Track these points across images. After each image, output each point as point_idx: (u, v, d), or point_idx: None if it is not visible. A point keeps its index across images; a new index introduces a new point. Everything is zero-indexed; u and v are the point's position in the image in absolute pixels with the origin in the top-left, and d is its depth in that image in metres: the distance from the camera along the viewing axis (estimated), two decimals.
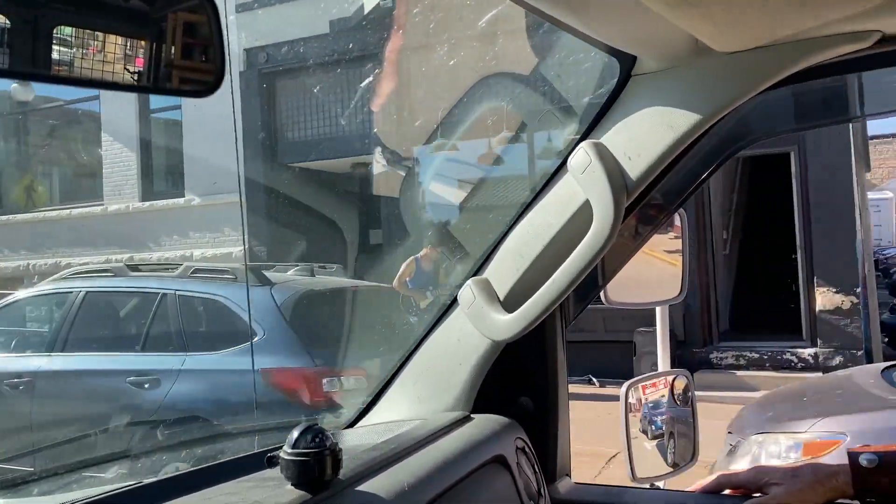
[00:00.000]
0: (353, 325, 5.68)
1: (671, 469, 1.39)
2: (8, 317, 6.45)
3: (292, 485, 0.85)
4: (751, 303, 10.44)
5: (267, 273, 5.71)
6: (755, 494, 1.17)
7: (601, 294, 1.38)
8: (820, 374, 8.08)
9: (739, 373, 8.68)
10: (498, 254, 1.23)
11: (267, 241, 11.51)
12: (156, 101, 12.80)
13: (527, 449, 1.24)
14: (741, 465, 3.41)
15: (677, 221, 1.48)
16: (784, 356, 8.72)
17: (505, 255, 1.22)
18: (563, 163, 1.15)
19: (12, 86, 12.78)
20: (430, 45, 9.86)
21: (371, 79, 10.36)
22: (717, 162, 1.34)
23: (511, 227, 1.23)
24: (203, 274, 5.65)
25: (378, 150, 10.19)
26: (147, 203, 13.04)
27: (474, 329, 1.21)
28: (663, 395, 1.42)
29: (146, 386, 5.08)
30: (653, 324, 8.61)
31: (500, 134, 9.00)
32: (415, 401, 1.30)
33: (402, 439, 1.08)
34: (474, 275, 1.25)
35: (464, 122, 9.04)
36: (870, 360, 7.81)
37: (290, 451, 0.85)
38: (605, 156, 1.08)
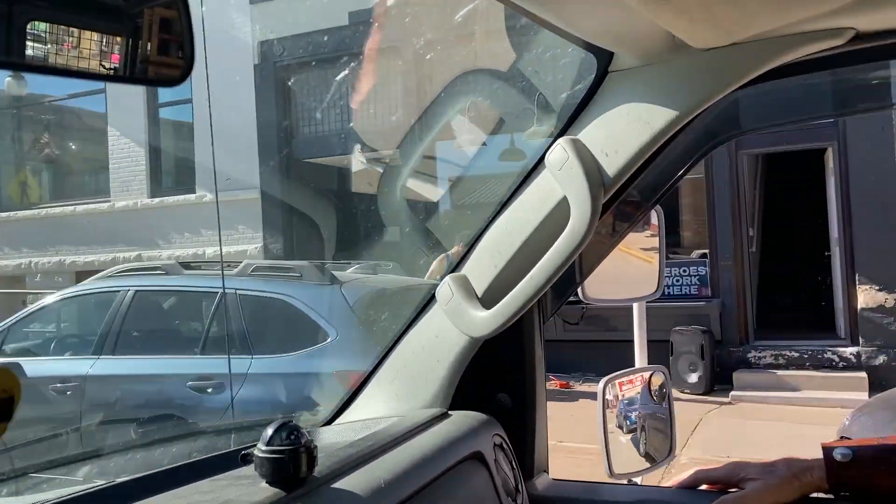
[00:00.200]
0: None
1: (648, 465, 1.39)
2: (48, 317, 6.12)
3: (267, 482, 0.84)
4: (778, 301, 10.29)
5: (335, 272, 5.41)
6: (731, 489, 1.18)
7: (578, 291, 1.38)
8: (863, 373, 8.00)
9: (780, 372, 8.49)
10: (476, 250, 1.23)
11: (287, 237, 11.28)
12: (164, 94, 12.49)
13: (504, 445, 1.24)
14: None
15: (654, 219, 1.48)
16: (825, 355, 8.51)
17: (483, 252, 1.22)
18: (541, 159, 1.15)
19: (6, 80, 12.43)
20: (457, 39, 9.59)
21: (393, 72, 10.10)
22: (694, 159, 1.35)
23: (489, 224, 1.23)
24: (265, 272, 5.36)
25: (404, 146, 9.97)
26: (156, 199, 12.75)
27: (452, 326, 1.21)
28: (639, 392, 1.43)
29: (209, 391, 4.81)
30: (690, 323, 8.70)
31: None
32: (392, 398, 1.30)
33: (378, 436, 1.08)
34: (452, 271, 1.24)
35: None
36: None
37: (264, 448, 0.84)
38: (582, 152, 1.08)
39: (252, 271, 5.31)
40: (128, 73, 0.78)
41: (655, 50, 1.06)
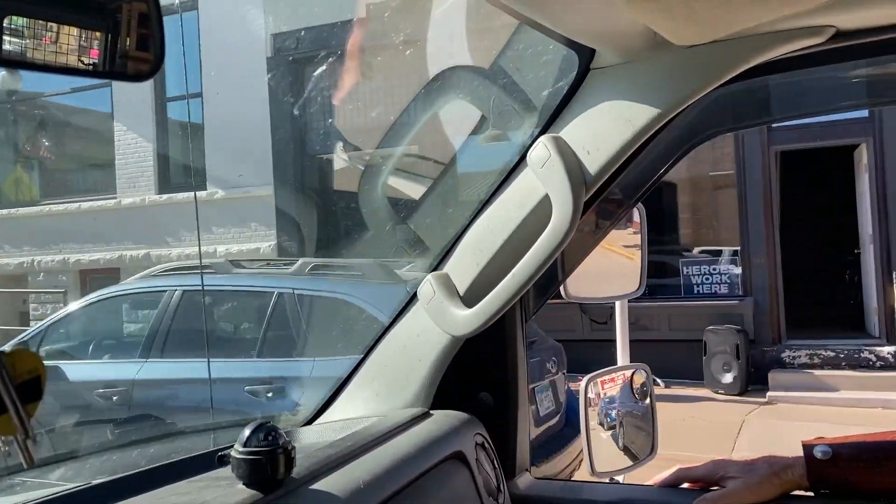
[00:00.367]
0: None
1: (630, 463, 1.39)
2: (89, 319, 5.81)
3: (244, 484, 0.83)
4: (804, 299, 10.06)
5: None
6: (713, 488, 1.18)
7: (561, 289, 1.38)
8: None
9: (816, 372, 8.26)
10: (458, 248, 1.22)
11: (301, 235, 10.90)
12: (172, 87, 12.21)
13: (486, 444, 1.23)
14: None
15: (636, 216, 1.48)
16: (861, 354, 8.25)
17: (464, 250, 1.21)
18: (523, 157, 1.14)
19: (0, 75, 12.11)
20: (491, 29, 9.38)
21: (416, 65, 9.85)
22: (676, 156, 1.35)
23: (471, 222, 1.22)
24: (324, 271, 5.13)
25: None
26: (164, 196, 12.29)
27: (434, 324, 1.20)
28: (621, 390, 1.43)
29: (269, 395, 4.57)
30: (723, 322, 8.50)
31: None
32: (373, 397, 1.29)
33: (358, 436, 1.07)
34: (434, 269, 1.23)
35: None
36: None
37: (241, 449, 0.83)
38: (563, 150, 1.08)
39: (310, 270, 5.11)
40: (107, 69, 0.78)
41: (637, 47, 1.05)
